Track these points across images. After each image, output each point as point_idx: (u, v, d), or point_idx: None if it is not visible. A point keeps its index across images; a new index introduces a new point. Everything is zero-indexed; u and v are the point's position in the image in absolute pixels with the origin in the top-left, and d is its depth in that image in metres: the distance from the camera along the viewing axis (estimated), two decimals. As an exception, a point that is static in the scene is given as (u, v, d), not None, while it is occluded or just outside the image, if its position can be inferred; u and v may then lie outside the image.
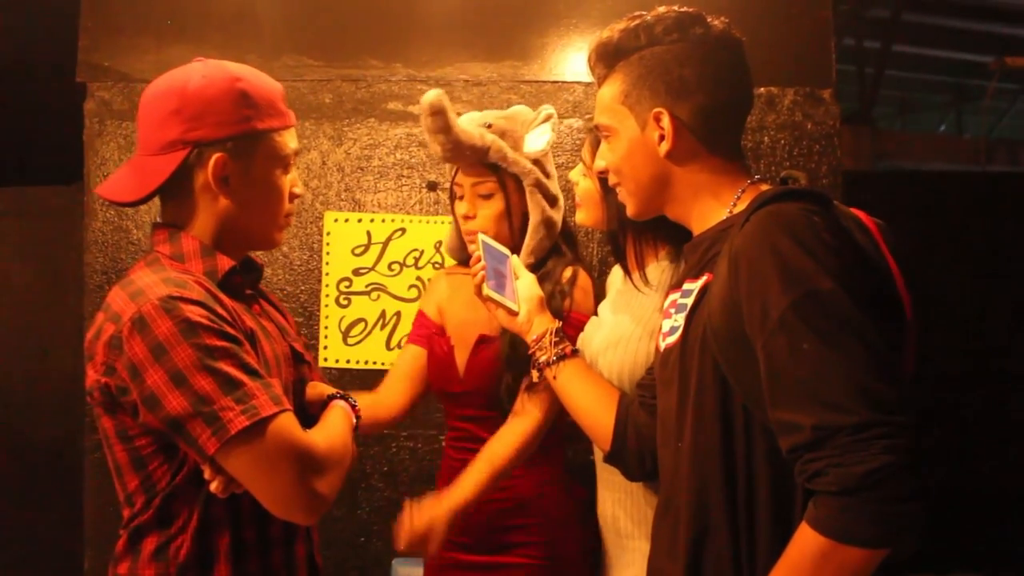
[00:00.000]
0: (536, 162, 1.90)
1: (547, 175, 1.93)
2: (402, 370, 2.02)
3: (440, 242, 2.52)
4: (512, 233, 1.90)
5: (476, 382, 1.89)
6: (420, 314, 2.07)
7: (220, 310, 1.26)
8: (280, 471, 1.22)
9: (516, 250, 1.86)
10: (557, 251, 1.92)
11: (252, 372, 1.24)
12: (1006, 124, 10.97)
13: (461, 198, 1.91)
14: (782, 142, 2.57)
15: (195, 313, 1.22)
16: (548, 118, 1.93)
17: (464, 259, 2.01)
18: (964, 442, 3.50)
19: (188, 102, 1.31)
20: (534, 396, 1.79)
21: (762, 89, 2.57)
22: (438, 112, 1.76)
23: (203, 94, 1.32)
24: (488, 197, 1.88)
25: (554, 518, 1.88)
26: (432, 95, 1.76)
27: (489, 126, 1.87)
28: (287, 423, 1.25)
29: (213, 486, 1.25)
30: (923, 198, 3.59)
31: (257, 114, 1.35)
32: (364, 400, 1.75)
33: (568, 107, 2.54)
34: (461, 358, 1.92)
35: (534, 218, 1.87)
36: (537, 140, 1.90)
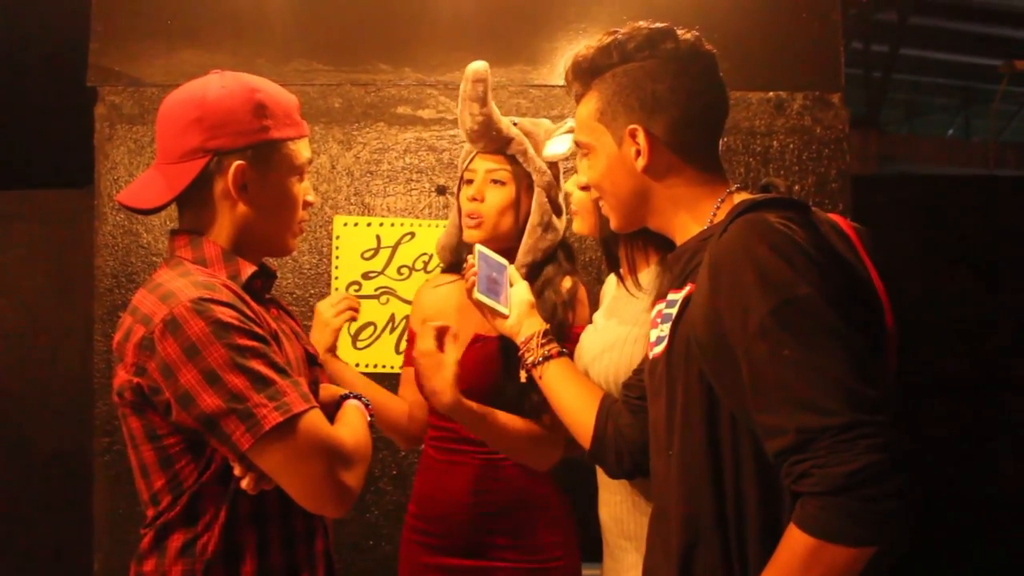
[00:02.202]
0: (551, 166, 1.93)
1: (557, 184, 1.96)
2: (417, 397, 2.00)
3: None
4: (515, 228, 1.90)
5: (467, 380, 1.85)
6: (410, 330, 2.07)
7: (248, 312, 1.31)
8: (312, 465, 1.27)
9: (515, 248, 1.89)
10: (555, 259, 1.93)
11: (281, 371, 1.28)
12: (1014, 128, 10.96)
13: (470, 182, 1.91)
14: (791, 146, 2.57)
15: (226, 314, 1.26)
16: (572, 130, 1.92)
17: (454, 263, 2.01)
18: (970, 447, 3.49)
19: (208, 112, 1.35)
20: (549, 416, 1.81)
21: (771, 93, 2.57)
22: (481, 80, 1.78)
23: (222, 104, 1.35)
24: (500, 184, 1.88)
25: (538, 522, 1.88)
26: (479, 63, 1.79)
27: (515, 123, 1.90)
28: (317, 419, 1.29)
29: (244, 483, 1.29)
30: (930, 202, 3.59)
31: (274, 124, 1.39)
32: (384, 397, 1.92)
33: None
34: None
35: (534, 218, 1.89)
36: (558, 146, 1.92)
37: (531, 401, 1.82)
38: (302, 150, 1.44)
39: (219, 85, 1.37)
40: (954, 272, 3.50)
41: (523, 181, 1.89)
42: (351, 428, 1.39)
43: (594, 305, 1.94)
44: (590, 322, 1.88)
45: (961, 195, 3.68)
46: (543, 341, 1.66)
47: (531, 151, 1.89)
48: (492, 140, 1.86)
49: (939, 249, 3.50)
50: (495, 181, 1.88)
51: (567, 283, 1.91)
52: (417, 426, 2.02)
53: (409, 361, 2.03)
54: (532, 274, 1.88)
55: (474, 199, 1.88)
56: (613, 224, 1.43)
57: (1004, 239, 3.54)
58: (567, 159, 1.94)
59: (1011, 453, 3.49)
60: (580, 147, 1.44)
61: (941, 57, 9.38)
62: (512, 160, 1.88)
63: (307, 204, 1.48)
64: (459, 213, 1.95)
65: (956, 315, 3.47)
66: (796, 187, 2.55)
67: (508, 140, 1.87)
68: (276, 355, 1.30)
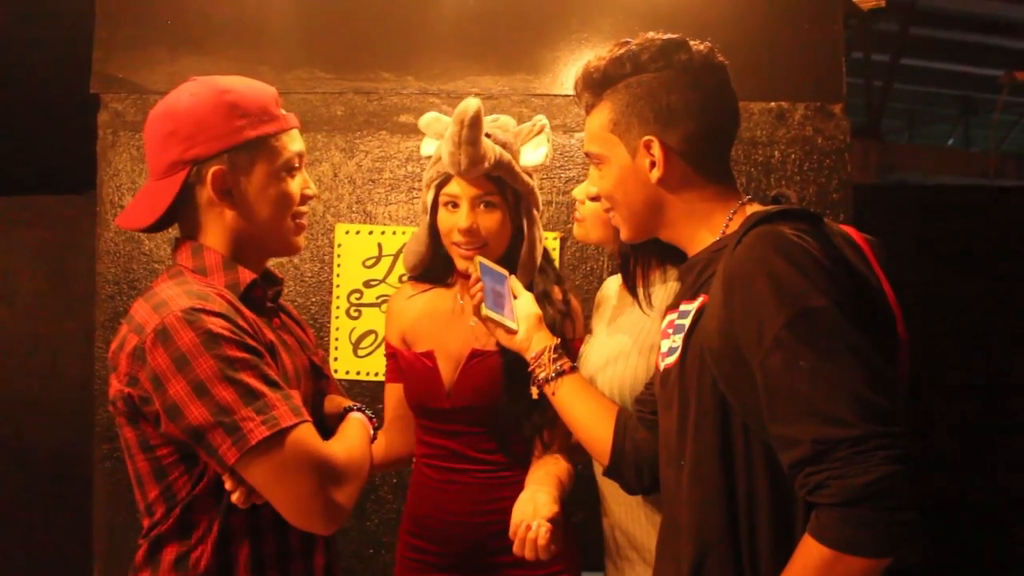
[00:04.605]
0: (530, 176, 1.87)
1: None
2: (396, 412, 1.97)
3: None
4: (506, 245, 1.85)
5: (468, 398, 1.82)
6: (387, 344, 1.99)
7: (241, 322, 1.29)
8: (299, 481, 1.25)
9: (508, 262, 1.83)
10: (540, 267, 1.89)
11: (272, 384, 1.26)
12: (1015, 138, 10.98)
13: (455, 207, 1.80)
14: (792, 157, 2.57)
15: (217, 325, 1.24)
16: (542, 130, 1.88)
17: (425, 273, 1.94)
18: (971, 450, 3.50)
19: (180, 123, 1.34)
20: (558, 444, 1.80)
21: (772, 104, 2.58)
22: (476, 124, 1.69)
23: (193, 112, 1.34)
24: (491, 208, 1.80)
25: None
26: (474, 105, 1.68)
27: (487, 135, 1.78)
28: (306, 434, 1.27)
29: (234, 497, 1.27)
30: (930, 212, 3.60)
31: (249, 123, 1.36)
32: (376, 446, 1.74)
33: (579, 120, 2.55)
34: (448, 373, 1.85)
35: (533, 233, 1.85)
36: (534, 154, 1.86)
37: (533, 419, 1.79)
38: (288, 144, 1.40)
39: (189, 93, 1.36)
40: (954, 280, 3.51)
41: (510, 198, 1.82)
42: (347, 443, 1.37)
43: (587, 310, 1.93)
44: (588, 331, 1.87)
45: (961, 204, 3.69)
46: (555, 356, 1.63)
47: (516, 167, 1.81)
48: (482, 170, 1.76)
49: (939, 258, 3.51)
50: (486, 205, 1.79)
51: (558, 293, 1.87)
52: (397, 451, 1.97)
53: (392, 378, 1.98)
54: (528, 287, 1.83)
55: (471, 229, 1.78)
56: (624, 235, 1.43)
57: (1003, 248, 3.55)
58: (568, 166, 1.89)
59: (1013, 456, 3.50)
60: (591, 158, 1.43)
61: (942, 67, 9.40)
62: (498, 181, 1.79)
63: (306, 198, 1.45)
64: (429, 230, 1.87)
65: (956, 323, 3.48)
66: (797, 197, 2.55)
67: (495, 163, 1.77)
68: (268, 367, 1.28)
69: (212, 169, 1.33)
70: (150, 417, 1.26)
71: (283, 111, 1.43)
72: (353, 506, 1.33)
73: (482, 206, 1.79)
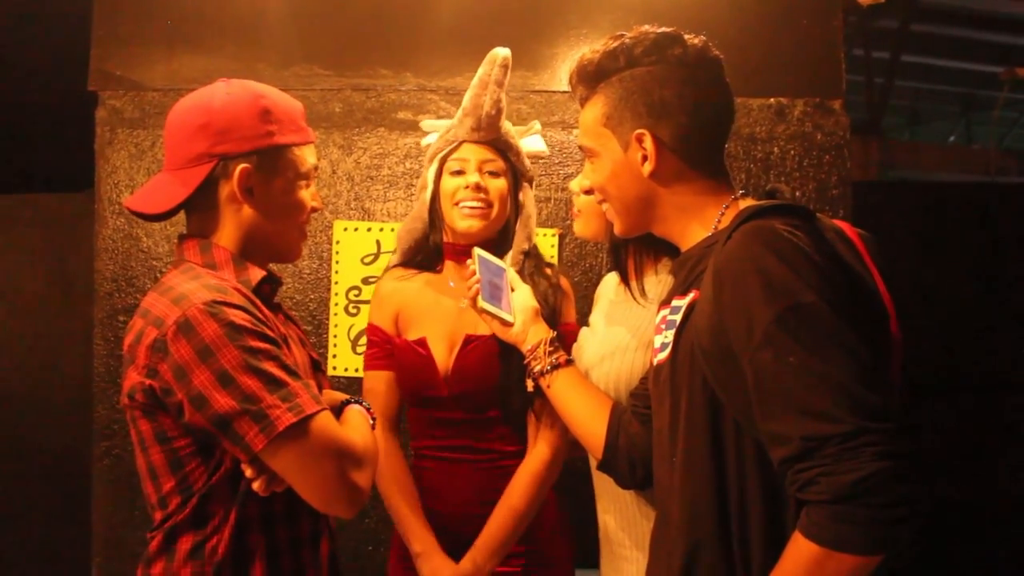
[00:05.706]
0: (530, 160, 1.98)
1: None
2: (389, 413, 1.92)
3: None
4: (506, 222, 1.90)
5: (466, 384, 1.83)
6: (374, 329, 1.94)
7: (259, 315, 1.32)
8: (324, 466, 1.28)
9: (506, 239, 1.90)
10: (532, 252, 1.95)
11: (293, 373, 1.29)
12: (1016, 135, 10.97)
13: (461, 173, 1.86)
14: (791, 153, 2.57)
15: (239, 317, 1.27)
16: (537, 132, 2.02)
17: (416, 257, 1.95)
18: (970, 448, 3.49)
19: (214, 118, 1.37)
20: (546, 420, 1.82)
21: (772, 100, 2.58)
22: (505, 66, 1.81)
23: (228, 110, 1.38)
24: (495, 175, 1.87)
25: (541, 528, 1.87)
26: (504, 50, 1.81)
27: None
28: (328, 421, 1.30)
29: (255, 485, 1.29)
30: (932, 209, 3.59)
31: (280, 129, 1.41)
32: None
33: (577, 117, 2.53)
34: (444, 361, 1.84)
35: (529, 209, 1.93)
36: (539, 143, 1.98)
37: (530, 404, 1.81)
38: (308, 156, 1.46)
39: (225, 92, 1.40)
40: (954, 277, 3.50)
41: (511, 174, 1.90)
42: (358, 431, 1.40)
43: (586, 306, 1.93)
44: (586, 324, 1.87)
45: (962, 201, 3.69)
46: (550, 349, 1.64)
47: (521, 146, 1.92)
48: (496, 130, 1.85)
49: (939, 255, 3.51)
50: (491, 173, 1.87)
51: (549, 271, 1.91)
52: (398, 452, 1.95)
53: (376, 364, 1.92)
54: (522, 265, 1.88)
55: (479, 187, 1.84)
56: (617, 229, 1.42)
57: (1004, 246, 3.55)
58: (567, 162, 1.94)
59: (1012, 454, 3.49)
60: (584, 151, 1.43)
61: (943, 64, 9.39)
62: (503, 153, 1.88)
63: (313, 210, 1.50)
64: (429, 206, 1.91)
65: (956, 319, 3.48)
66: (797, 193, 2.55)
67: (506, 133, 1.88)
68: (287, 357, 1.31)
69: (240, 166, 1.37)
70: (171, 408, 1.28)
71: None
72: (371, 489, 1.36)
73: (487, 173, 1.86)
